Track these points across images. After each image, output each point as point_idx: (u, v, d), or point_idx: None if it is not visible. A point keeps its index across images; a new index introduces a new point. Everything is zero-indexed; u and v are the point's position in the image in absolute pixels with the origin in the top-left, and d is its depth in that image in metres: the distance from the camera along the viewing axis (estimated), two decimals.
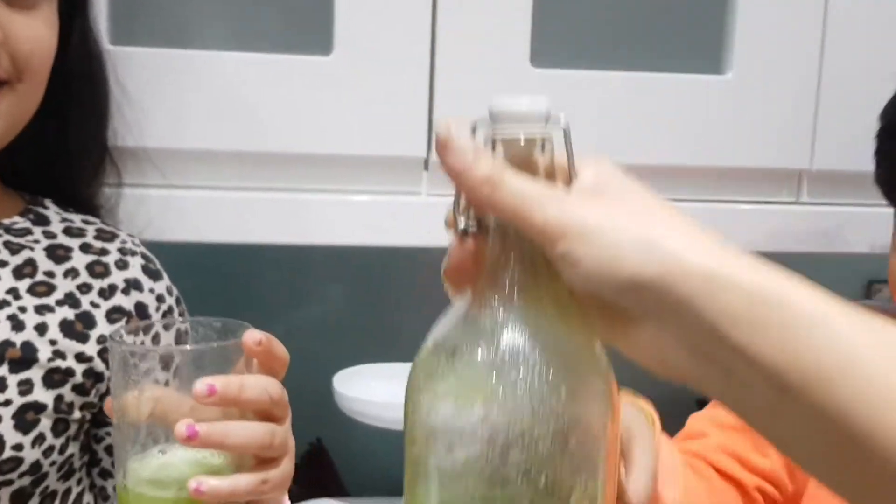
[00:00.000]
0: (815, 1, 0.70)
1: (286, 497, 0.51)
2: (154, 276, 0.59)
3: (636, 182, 0.32)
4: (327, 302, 0.99)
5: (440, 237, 0.71)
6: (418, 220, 0.70)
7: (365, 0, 0.66)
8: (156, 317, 0.47)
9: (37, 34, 0.55)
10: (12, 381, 0.52)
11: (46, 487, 0.54)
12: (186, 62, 0.65)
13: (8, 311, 0.54)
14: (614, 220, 0.30)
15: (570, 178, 0.32)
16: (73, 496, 0.57)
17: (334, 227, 0.69)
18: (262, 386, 0.44)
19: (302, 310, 0.98)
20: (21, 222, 0.58)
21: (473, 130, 0.33)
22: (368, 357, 0.81)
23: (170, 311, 0.60)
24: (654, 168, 0.70)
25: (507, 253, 0.33)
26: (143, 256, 0.60)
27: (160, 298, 0.59)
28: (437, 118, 0.36)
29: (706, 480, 0.63)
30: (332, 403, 0.75)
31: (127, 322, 0.57)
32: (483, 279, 0.34)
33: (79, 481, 0.58)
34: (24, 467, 0.52)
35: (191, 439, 0.42)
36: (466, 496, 0.34)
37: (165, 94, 0.65)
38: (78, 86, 0.61)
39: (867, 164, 0.70)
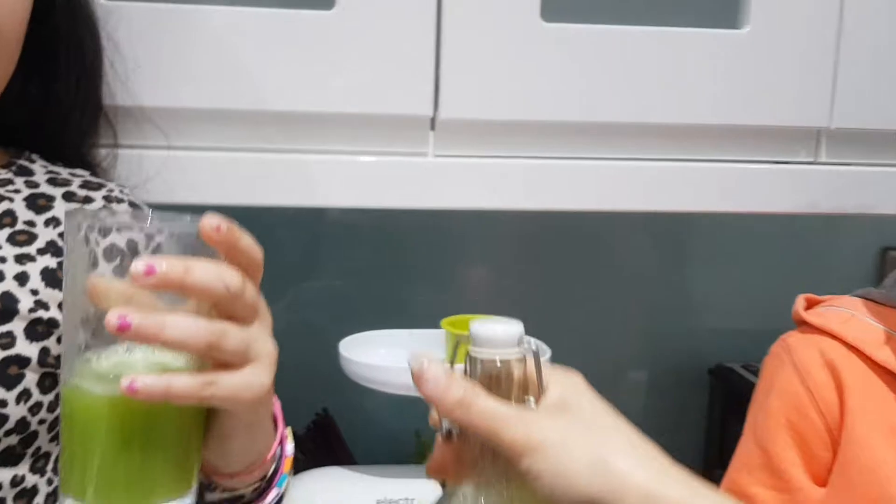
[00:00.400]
0: None
1: (274, 407, 0.48)
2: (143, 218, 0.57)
3: (599, 401, 0.38)
4: (333, 270, 0.98)
5: (446, 198, 0.70)
6: (424, 181, 0.68)
7: None
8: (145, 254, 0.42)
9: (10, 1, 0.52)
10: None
11: (38, 448, 0.51)
12: (184, 17, 0.63)
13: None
14: (572, 439, 0.35)
15: (538, 393, 0.38)
16: None
17: (339, 188, 0.67)
18: (215, 273, 0.38)
19: (308, 278, 0.97)
20: (3, 173, 0.56)
21: (457, 345, 0.41)
22: (375, 325, 0.79)
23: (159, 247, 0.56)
24: (667, 126, 0.68)
25: (481, 457, 0.38)
26: (131, 203, 0.58)
27: (150, 237, 0.55)
28: (412, 353, 0.36)
29: None
30: (339, 373, 0.74)
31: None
32: (461, 475, 0.39)
33: None
34: (9, 425, 0.48)
35: (121, 330, 0.36)
36: None
37: (163, 52, 0.63)
38: (64, 45, 0.58)
39: (889, 122, 0.68)
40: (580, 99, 0.67)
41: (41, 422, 0.51)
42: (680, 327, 1.01)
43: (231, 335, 0.39)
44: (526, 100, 0.67)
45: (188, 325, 0.37)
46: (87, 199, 0.57)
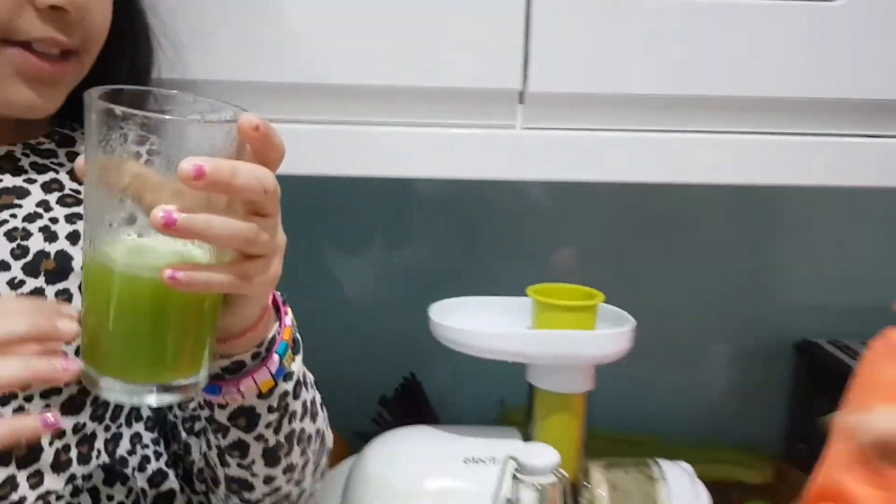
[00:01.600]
0: None
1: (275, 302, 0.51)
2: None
3: None
4: (422, 240, 1.01)
5: (532, 170, 0.71)
6: (512, 153, 0.69)
7: None
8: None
9: (102, 9, 0.56)
10: (50, 292, 0.53)
11: (96, 398, 0.55)
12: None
13: (40, 223, 0.54)
14: None
15: None
16: (126, 408, 0.58)
17: (428, 160, 0.70)
18: (255, 174, 0.41)
19: (397, 246, 1.00)
20: (46, 143, 0.59)
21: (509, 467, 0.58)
22: (461, 294, 0.81)
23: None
24: (762, 99, 0.68)
25: None
26: None
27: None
28: None
29: None
30: (428, 339, 0.77)
31: None
32: None
33: None
34: None
35: (168, 227, 0.38)
36: None
37: (235, 27, 0.66)
38: (126, 39, 0.60)
39: None
40: (667, 72, 0.67)
41: None
42: (766, 301, 1.00)
43: (262, 233, 0.42)
44: (613, 73, 0.67)
45: (231, 225, 0.40)
46: None
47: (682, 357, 1.00)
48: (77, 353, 0.45)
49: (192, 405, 0.60)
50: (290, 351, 0.51)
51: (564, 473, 0.50)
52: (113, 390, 0.43)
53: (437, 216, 1.00)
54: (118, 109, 0.39)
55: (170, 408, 0.61)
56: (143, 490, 0.59)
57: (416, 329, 0.78)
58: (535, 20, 0.66)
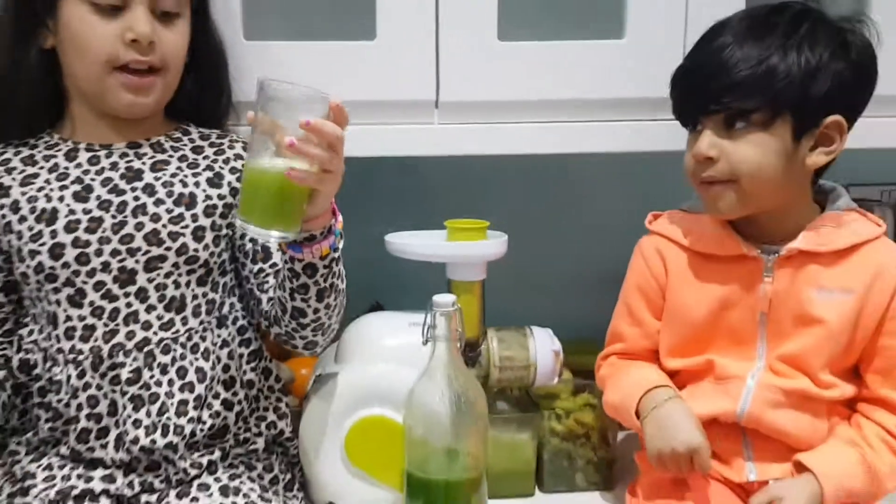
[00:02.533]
0: None
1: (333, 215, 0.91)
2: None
3: None
4: (384, 200, 1.42)
5: (447, 149, 1.14)
6: (433, 139, 1.13)
7: None
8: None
9: (176, 40, 0.99)
10: (187, 214, 0.99)
11: (213, 276, 1.02)
12: (285, 50, 1.09)
13: (180, 176, 1.00)
14: None
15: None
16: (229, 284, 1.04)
17: (382, 145, 1.12)
18: (333, 128, 0.81)
19: (371, 206, 1.41)
20: (174, 133, 1.05)
21: (431, 307, 0.94)
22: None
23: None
24: (578, 100, 1.12)
25: None
26: (244, 145, 1.06)
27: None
28: None
29: None
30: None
31: None
32: None
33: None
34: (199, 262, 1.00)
35: (289, 147, 0.80)
36: None
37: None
38: (207, 63, 1.05)
39: None
40: (528, 86, 1.11)
41: (211, 254, 1.00)
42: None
43: (334, 158, 0.83)
44: (496, 87, 1.11)
45: (319, 152, 0.82)
46: (219, 145, 1.05)
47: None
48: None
49: (269, 264, 1.03)
50: (339, 235, 0.94)
51: (458, 307, 0.93)
52: (255, 233, 0.86)
53: (396, 184, 1.42)
54: (267, 85, 0.82)
55: (246, 279, 1.04)
56: (231, 335, 1.03)
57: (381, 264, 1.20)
58: (442, 53, 1.10)
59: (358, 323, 1.15)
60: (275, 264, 1.03)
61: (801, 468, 0.96)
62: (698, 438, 0.96)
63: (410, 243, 1.14)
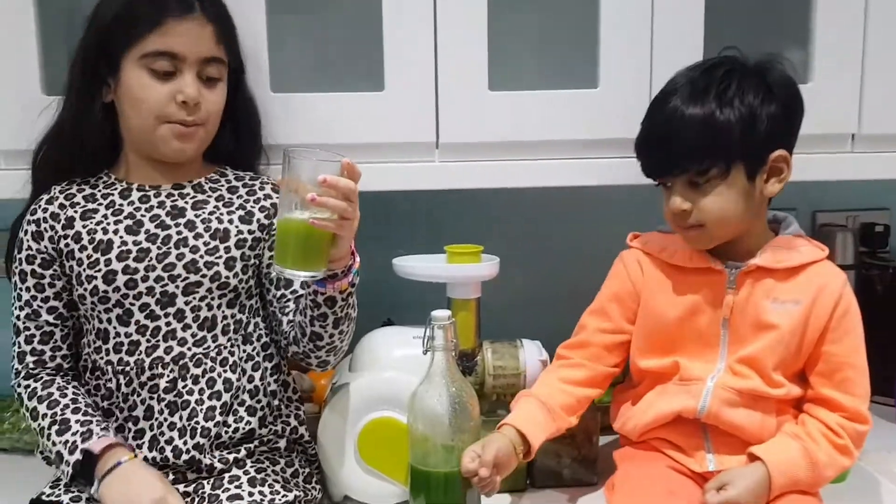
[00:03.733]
0: None
1: (352, 255, 1.06)
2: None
3: None
4: (395, 229, 1.58)
5: (447, 183, 1.30)
6: (433, 176, 1.29)
7: None
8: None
9: (216, 100, 1.16)
10: (221, 247, 1.15)
11: (242, 301, 1.17)
12: (294, 102, 1.26)
13: (217, 213, 1.16)
14: None
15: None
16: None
17: (390, 179, 1.29)
18: (347, 184, 0.97)
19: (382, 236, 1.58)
20: (214, 175, 1.22)
21: (430, 321, 1.10)
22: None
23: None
24: (563, 141, 1.28)
25: None
26: (273, 187, 1.22)
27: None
28: None
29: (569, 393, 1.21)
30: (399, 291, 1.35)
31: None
32: None
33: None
34: (229, 288, 1.15)
35: (312, 201, 0.95)
36: None
37: (289, 120, 1.26)
38: (244, 119, 1.23)
39: None
40: (517, 130, 1.28)
41: (240, 280, 1.15)
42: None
43: (349, 208, 0.98)
44: (490, 130, 1.28)
45: (337, 203, 0.97)
46: (251, 186, 1.21)
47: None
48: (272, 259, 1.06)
49: (290, 290, 1.18)
50: (357, 273, 1.10)
51: (454, 320, 1.08)
52: (290, 275, 1.03)
53: (403, 215, 1.58)
54: (290, 153, 0.99)
55: (270, 303, 1.20)
56: (256, 351, 1.19)
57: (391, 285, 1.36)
58: (441, 101, 1.26)
59: (369, 337, 1.31)
60: (295, 290, 1.19)
61: (752, 458, 1.11)
62: None
63: (414, 266, 1.31)
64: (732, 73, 1.10)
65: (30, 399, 1.14)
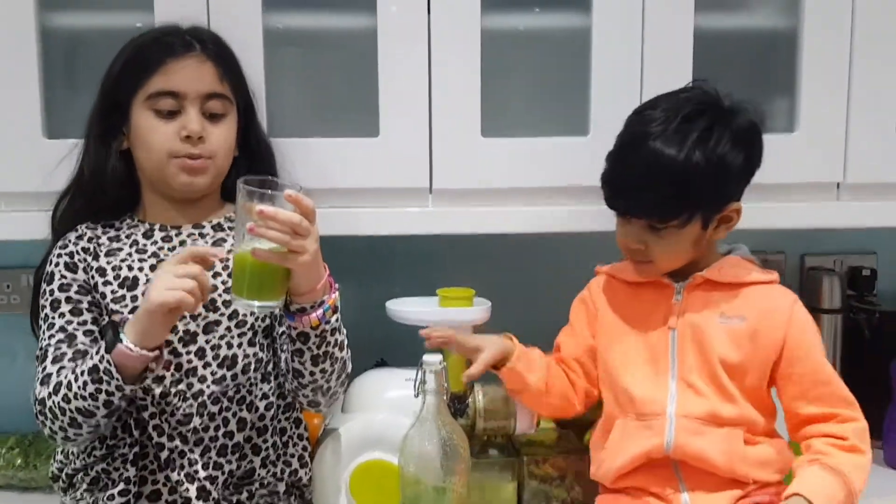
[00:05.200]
0: None
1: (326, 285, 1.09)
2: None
3: None
4: (386, 275, 1.61)
5: (439, 228, 1.32)
6: (425, 221, 1.32)
7: None
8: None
9: (222, 136, 1.19)
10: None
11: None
12: (294, 147, 1.29)
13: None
14: None
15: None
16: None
17: (384, 224, 1.31)
18: (289, 216, 0.99)
19: (373, 280, 1.60)
20: (232, 214, 1.22)
21: (421, 365, 1.12)
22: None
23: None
24: (550, 188, 1.31)
25: None
26: None
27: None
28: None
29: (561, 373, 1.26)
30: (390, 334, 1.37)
31: None
32: None
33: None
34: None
35: (251, 231, 0.98)
36: None
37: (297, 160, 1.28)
38: (255, 152, 1.25)
39: None
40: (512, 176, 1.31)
41: (259, 324, 1.18)
42: None
43: (295, 240, 1.00)
44: (481, 177, 1.31)
45: (277, 235, 1.00)
46: None
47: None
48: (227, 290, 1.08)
49: (285, 326, 1.17)
50: (330, 309, 1.11)
51: (445, 364, 1.10)
52: (241, 305, 1.06)
53: (397, 258, 1.61)
54: (239, 184, 1.02)
55: (275, 339, 1.21)
56: (272, 389, 1.20)
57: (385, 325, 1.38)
58: (435, 149, 1.29)
59: (361, 378, 1.32)
60: (290, 326, 1.20)
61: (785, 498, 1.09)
62: None
63: (407, 310, 1.33)
64: (712, 124, 1.10)
65: (49, 385, 1.10)
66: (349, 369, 1.20)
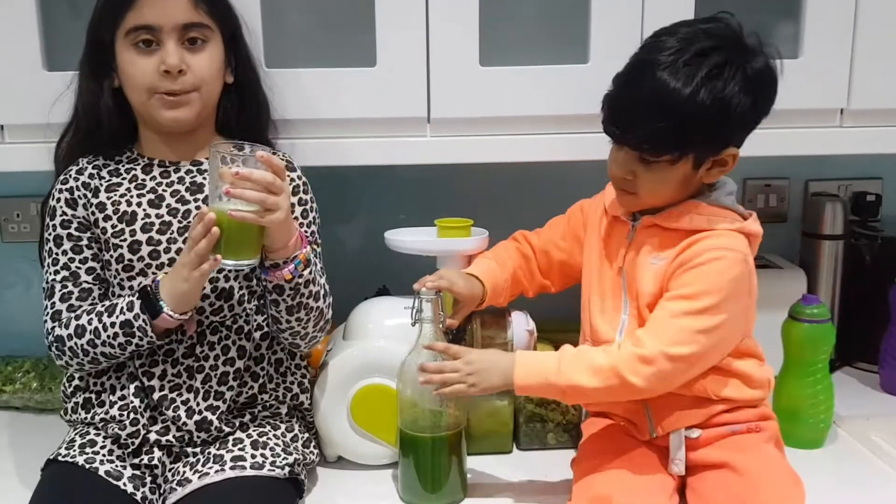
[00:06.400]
0: None
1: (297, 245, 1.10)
2: (291, 169, 1.25)
3: None
4: (388, 204, 1.62)
5: (438, 158, 1.32)
6: (425, 150, 1.32)
7: None
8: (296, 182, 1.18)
9: (205, 64, 1.18)
10: None
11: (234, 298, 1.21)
12: (287, 77, 1.28)
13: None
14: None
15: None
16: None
17: (384, 154, 1.32)
18: (263, 174, 1.03)
19: (375, 211, 1.61)
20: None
21: (417, 294, 1.18)
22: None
23: (304, 184, 1.24)
24: (544, 116, 1.31)
25: None
26: (288, 162, 1.25)
27: (299, 177, 1.24)
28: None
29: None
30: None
31: None
32: None
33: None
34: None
35: (227, 192, 1.01)
36: None
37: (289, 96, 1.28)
38: (241, 79, 1.24)
39: None
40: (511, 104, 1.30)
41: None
42: None
43: (269, 199, 1.03)
44: (481, 105, 1.30)
45: (252, 194, 1.02)
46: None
47: None
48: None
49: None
50: (302, 264, 1.11)
51: (441, 295, 1.13)
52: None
53: (397, 187, 1.62)
54: (213, 146, 1.03)
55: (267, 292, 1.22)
56: (266, 321, 1.23)
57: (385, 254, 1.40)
58: (433, 78, 1.29)
59: (361, 307, 1.35)
60: None
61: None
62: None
63: (405, 240, 1.34)
64: (726, 62, 1.04)
65: (68, 327, 1.16)
66: (328, 316, 1.22)
